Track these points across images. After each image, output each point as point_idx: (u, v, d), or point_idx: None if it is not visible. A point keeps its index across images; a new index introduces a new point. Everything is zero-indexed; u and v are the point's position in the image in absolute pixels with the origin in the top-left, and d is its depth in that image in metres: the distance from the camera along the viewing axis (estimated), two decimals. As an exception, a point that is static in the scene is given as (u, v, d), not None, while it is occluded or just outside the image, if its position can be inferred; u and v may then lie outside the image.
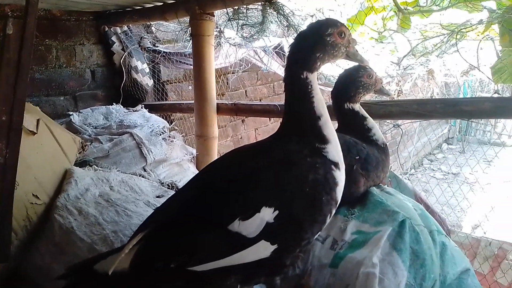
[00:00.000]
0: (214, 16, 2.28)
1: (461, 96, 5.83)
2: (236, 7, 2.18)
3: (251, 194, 0.92)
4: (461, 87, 5.96)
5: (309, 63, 0.98)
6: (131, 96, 2.90)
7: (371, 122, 1.41)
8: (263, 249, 0.90)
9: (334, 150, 0.99)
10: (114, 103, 2.72)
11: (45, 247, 1.39)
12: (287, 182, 0.92)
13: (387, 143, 1.45)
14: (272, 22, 2.24)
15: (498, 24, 2.07)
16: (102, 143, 2.14)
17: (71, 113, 2.46)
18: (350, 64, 1.42)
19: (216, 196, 0.95)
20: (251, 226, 0.88)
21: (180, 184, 1.92)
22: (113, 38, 2.83)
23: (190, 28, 2.33)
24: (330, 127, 1.00)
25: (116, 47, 2.83)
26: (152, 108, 2.80)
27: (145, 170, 2.10)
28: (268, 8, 2.10)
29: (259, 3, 2.08)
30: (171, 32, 3.11)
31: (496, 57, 2.15)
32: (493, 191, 4.44)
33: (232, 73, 3.26)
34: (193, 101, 2.46)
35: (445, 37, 2.35)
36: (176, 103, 3.00)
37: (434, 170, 6.44)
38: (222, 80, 3.48)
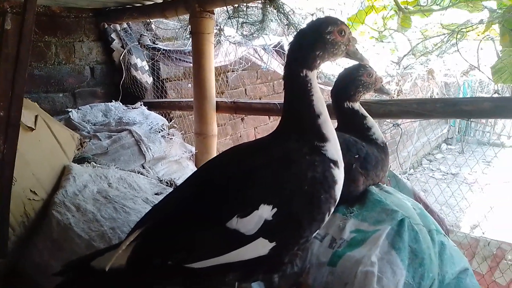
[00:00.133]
0: (214, 14, 2.27)
1: (461, 96, 5.84)
2: (236, 5, 2.18)
3: (250, 192, 0.92)
4: (461, 87, 5.96)
5: (308, 61, 0.97)
6: (130, 93, 2.90)
7: (370, 121, 1.41)
8: (262, 247, 0.90)
9: (333, 148, 0.99)
10: (113, 100, 2.71)
11: (43, 244, 1.39)
12: (286, 180, 0.92)
13: (387, 143, 1.45)
14: (272, 21, 2.23)
15: (499, 24, 2.06)
16: (100, 140, 2.13)
17: (70, 109, 2.45)
18: (350, 63, 1.42)
19: (214, 193, 0.95)
20: (249, 223, 0.88)
21: (179, 182, 1.91)
22: (113, 35, 2.82)
23: (190, 26, 2.33)
24: (329, 125, 1.00)
25: (116, 44, 2.83)
26: (151, 106, 2.80)
27: (143, 167, 2.09)
28: (268, 6, 2.09)
29: (259, 1, 2.08)
30: (170, 29, 3.11)
31: (497, 57, 2.15)
32: (492, 192, 4.45)
33: (232, 71, 3.25)
34: (192, 99, 2.45)
35: (445, 37, 2.35)
36: (175, 100, 2.99)
37: (433, 170, 6.45)
38: (222, 79, 3.47)
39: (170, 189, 1.76)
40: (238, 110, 2.48)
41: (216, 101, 2.40)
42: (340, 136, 1.06)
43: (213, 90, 2.38)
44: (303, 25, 1.18)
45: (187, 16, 2.39)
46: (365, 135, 1.38)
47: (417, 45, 2.59)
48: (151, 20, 3.01)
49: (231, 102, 2.42)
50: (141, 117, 2.47)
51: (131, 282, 0.98)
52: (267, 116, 4.11)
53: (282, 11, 2.04)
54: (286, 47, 2.70)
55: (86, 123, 2.34)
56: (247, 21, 2.23)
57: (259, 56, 2.99)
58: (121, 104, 2.67)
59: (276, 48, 2.84)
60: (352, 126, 1.38)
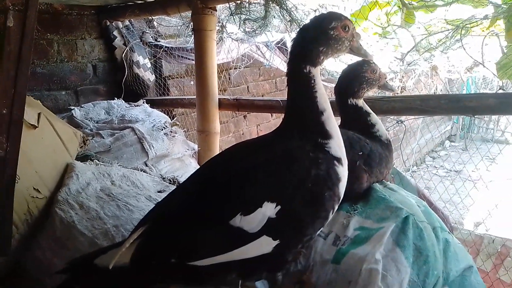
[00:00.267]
0: (216, 10, 2.26)
1: (465, 93, 5.79)
2: (238, 2, 2.17)
3: (253, 189, 0.91)
4: (465, 84, 5.91)
5: (312, 57, 0.97)
6: (133, 91, 2.89)
7: (374, 118, 1.40)
8: (265, 245, 0.89)
9: (337, 145, 0.98)
10: (116, 98, 2.71)
11: (46, 242, 1.39)
12: (289, 178, 0.91)
13: (390, 140, 1.44)
14: (274, 17, 2.22)
15: (504, 19, 2.04)
16: (103, 138, 2.13)
17: (72, 107, 2.45)
18: (354, 59, 1.41)
19: (217, 191, 0.95)
20: (253, 221, 0.87)
21: (182, 180, 1.91)
22: (115, 33, 2.81)
23: (192, 23, 2.32)
24: (333, 122, 0.99)
25: (118, 41, 2.82)
26: (153, 103, 2.79)
27: (146, 165, 2.09)
28: (270, 2, 2.08)
29: (262, -2, 2.07)
30: (173, 26, 3.10)
31: (501, 53, 2.13)
32: (496, 189, 4.43)
33: (234, 68, 3.24)
34: (194, 96, 2.45)
35: (449, 33, 2.33)
36: (177, 98, 2.99)
37: (436, 167, 6.42)
38: (224, 76, 3.46)
39: (173, 187, 1.76)
40: (241, 107, 2.47)
41: (219, 99, 2.39)
42: (343, 133, 1.06)
43: (216, 88, 2.37)
44: (306, 21, 1.17)
45: (189, 13, 2.39)
46: (369, 132, 1.37)
47: (421, 41, 2.57)
48: (153, 17, 3.00)
49: (234, 99, 2.41)
50: (143, 114, 2.47)
51: (135, 280, 0.98)
52: (270, 114, 4.09)
53: (285, 8, 2.03)
54: (289, 44, 2.68)
55: (89, 120, 2.34)
56: (250, 17, 2.22)
57: (262, 53, 2.98)
58: (123, 101, 2.67)
59: (279, 45, 2.82)
60: (356, 123, 1.37)
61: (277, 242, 0.89)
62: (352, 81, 1.37)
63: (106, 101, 2.64)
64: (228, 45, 2.70)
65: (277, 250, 0.90)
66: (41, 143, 1.58)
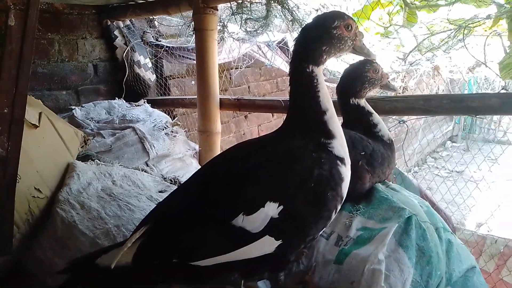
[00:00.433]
0: (217, 10, 2.25)
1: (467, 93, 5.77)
2: (239, 1, 2.16)
3: (255, 189, 0.91)
4: (467, 84, 5.90)
5: (314, 57, 0.96)
6: (134, 91, 2.89)
7: (376, 117, 1.39)
8: (268, 245, 0.89)
9: (340, 145, 0.97)
10: (117, 98, 2.71)
11: (47, 241, 1.38)
12: (292, 177, 0.91)
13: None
14: (276, 17, 2.22)
15: (507, 19, 2.04)
16: (104, 138, 2.13)
17: (73, 107, 2.45)
18: (356, 59, 1.40)
19: (219, 191, 0.94)
20: (255, 221, 0.87)
21: (183, 180, 1.90)
22: (116, 32, 2.81)
23: (193, 22, 2.31)
24: (336, 122, 0.99)
25: (119, 41, 2.82)
26: (154, 103, 2.79)
27: (147, 165, 2.09)
28: (272, 2, 2.07)
29: (263, -3, 2.06)
30: (174, 26, 3.09)
31: (504, 52, 2.12)
32: (498, 189, 4.41)
33: (236, 68, 3.23)
34: (195, 96, 2.44)
35: (452, 32, 2.32)
36: (178, 98, 2.98)
37: (438, 168, 6.41)
38: (225, 76, 3.46)
39: (174, 187, 1.75)
40: (242, 107, 2.46)
41: (220, 98, 2.38)
42: (346, 133, 1.05)
43: (217, 87, 2.37)
44: (308, 21, 1.16)
45: (190, 13, 2.38)
46: (371, 132, 1.36)
47: (423, 41, 2.56)
48: (154, 16, 3.00)
49: (235, 99, 2.40)
50: (144, 114, 2.46)
51: (137, 280, 0.98)
52: (271, 114, 4.09)
53: (287, 7, 2.02)
54: (291, 44, 2.68)
55: (90, 120, 2.34)
56: (251, 17, 2.21)
57: (263, 53, 2.97)
58: (124, 101, 2.66)
59: (280, 45, 2.82)
60: (358, 123, 1.37)
61: (279, 242, 0.89)
62: (354, 81, 1.37)
63: (107, 101, 2.64)
64: (229, 45, 2.70)
65: (279, 250, 0.90)
66: (42, 143, 1.57)
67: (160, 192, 1.67)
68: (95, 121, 2.36)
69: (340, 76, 1.47)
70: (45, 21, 2.45)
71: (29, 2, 1.20)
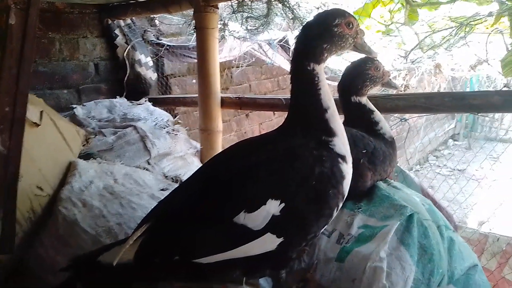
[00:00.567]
0: (218, 8, 2.25)
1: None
2: (240, -1, 2.16)
3: (257, 186, 0.91)
4: (469, 82, 5.88)
5: (316, 54, 0.96)
6: (135, 89, 2.89)
7: (378, 115, 1.39)
8: (269, 242, 0.89)
9: (341, 143, 0.97)
10: (118, 97, 2.71)
11: (49, 239, 1.39)
12: (293, 175, 0.91)
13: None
14: (277, 15, 2.21)
15: (508, 16, 2.02)
16: (105, 136, 2.13)
17: (74, 106, 2.45)
18: (357, 57, 1.40)
19: (220, 188, 0.94)
20: (257, 218, 0.87)
21: (184, 178, 1.91)
22: (117, 31, 2.81)
23: (194, 21, 2.31)
24: (337, 119, 0.99)
25: (120, 40, 2.82)
26: (155, 102, 2.79)
27: (149, 164, 2.08)
28: (273, 0, 2.07)
29: (264, -5, 2.06)
30: (174, 25, 3.09)
31: (506, 50, 2.11)
32: (500, 188, 4.41)
33: (237, 67, 3.23)
34: (197, 95, 2.44)
35: (453, 30, 2.31)
36: (180, 96, 2.98)
37: (439, 166, 6.40)
38: (226, 74, 3.45)
39: (176, 185, 1.75)
40: (243, 105, 2.46)
41: (221, 97, 2.38)
42: (347, 131, 1.05)
43: (218, 86, 2.37)
44: (309, 19, 1.16)
45: (191, 11, 2.38)
46: (373, 129, 1.36)
47: (425, 38, 2.55)
48: (154, 15, 3.00)
49: (236, 97, 2.40)
50: (145, 113, 2.47)
51: (138, 277, 0.98)
52: (272, 112, 4.09)
53: (287, 5, 2.02)
54: (292, 42, 2.68)
55: (91, 119, 2.34)
56: (252, 15, 2.21)
57: (264, 51, 2.97)
58: (125, 100, 2.66)
59: (281, 43, 2.81)
60: (360, 121, 1.37)
61: (281, 239, 0.89)
62: (355, 79, 1.37)
63: (108, 99, 2.64)
64: (230, 43, 2.69)
65: (281, 247, 0.90)
66: (43, 141, 1.58)
67: (161, 190, 1.67)
68: (96, 119, 2.36)
69: (341, 74, 1.47)
70: (46, 20, 2.45)
71: (29, 1, 1.20)
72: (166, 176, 1.86)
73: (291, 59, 1.02)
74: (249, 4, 2.20)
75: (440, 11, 2.28)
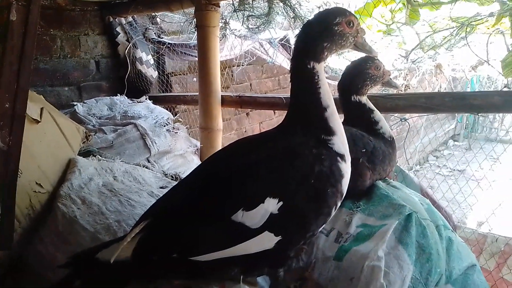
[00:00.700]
0: (219, 7, 2.25)
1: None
2: (242, -2, 2.15)
3: (256, 185, 0.91)
4: (469, 82, 5.87)
5: (316, 53, 0.96)
6: (136, 87, 2.89)
7: (378, 115, 1.39)
8: (267, 241, 0.89)
9: (340, 142, 0.97)
10: (119, 94, 2.72)
11: (48, 236, 1.39)
12: (292, 173, 0.91)
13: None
14: (278, 14, 2.21)
15: (509, 17, 2.02)
16: (106, 134, 2.13)
17: (75, 103, 2.45)
18: (358, 56, 1.40)
19: (219, 186, 0.94)
20: (255, 216, 0.87)
21: (184, 176, 1.90)
22: (118, 29, 2.81)
23: (195, 19, 2.31)
24: (336, 118, 0.99)
25: (121, 38, 2.82)
26: (156, 100, 2.79)
27: (148, 161, 2.09)
28: (274, -1, 2.07)
29: (266, -6, 2.05)
30: (176, 23, 3.09)
31: (507, 51, 2.11)
32: (499, 188, 4.41)
33: (237, 65, 3.23)
34: (197, 93, 2.44)
35: (454, 30, 2.31)
36: (180, 95, 2.98)
37: (439, 166, 6.39)
38: (227, 73, 3.45)
39: (175, 183, 1.75)
40: (243, 104, 2.46)
41: (221, 95, 2.38)
42: (347, 130, 1.05)
43: (219, 84, 2.37)
44: (310, 18, 1.16)
45: (192, 9, 2.38)
46: (372, 129, 1.36)
47: (426, 38, 2.55)
48: (156, 13, 3.00)
49: (236, 96, 2.40)
50: (146, 111, 2.47)
51: (136, 274, 0.98)
52: (273, 111, 4.09)
53: (288, 4, 2.02)
54: (293, 41, 2.67)
55: (92, 116, 2.34)
56: (253, 14, 2.21)
57: (265, 50, 2.97)
58: (126, 98, 2.67)
59: (282, 42, 2.81)
60: (359, 120, 1.37)
61: (279, 238, 0.89)
62: (355, 78, 1.37)
63: (109, 97, 2.64)
64: (231, 42, 2.69)
65: (279, 246, 0.90)
66: (43, 138, 1.58)
67: (161, 188, 1.67)
68: (97, 117, 2.36)
69: (341, 73, 1.47)
70: (47, 17, 2.45)
71: (31, -3, 1.20)
72: (166, 174, 1.86)
73: (291, 57, 1.02)
74: (250, 2, 2.20)
75: (441, 11, 2.28)
